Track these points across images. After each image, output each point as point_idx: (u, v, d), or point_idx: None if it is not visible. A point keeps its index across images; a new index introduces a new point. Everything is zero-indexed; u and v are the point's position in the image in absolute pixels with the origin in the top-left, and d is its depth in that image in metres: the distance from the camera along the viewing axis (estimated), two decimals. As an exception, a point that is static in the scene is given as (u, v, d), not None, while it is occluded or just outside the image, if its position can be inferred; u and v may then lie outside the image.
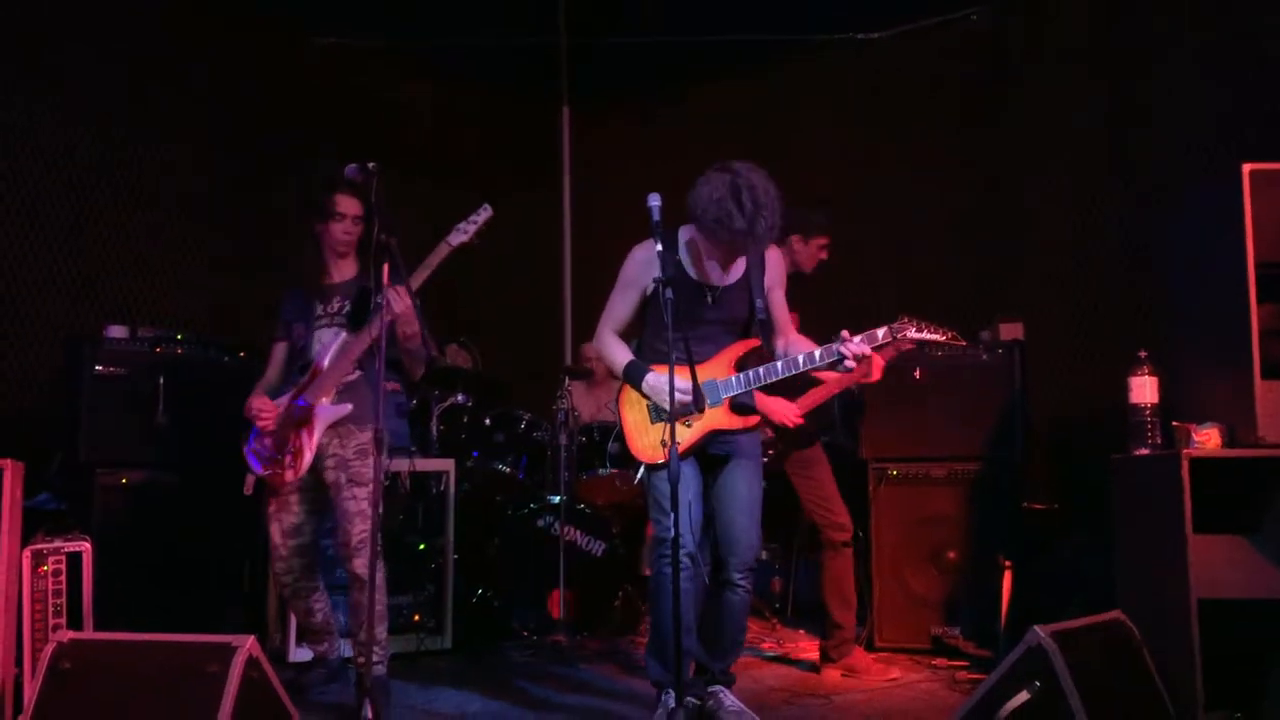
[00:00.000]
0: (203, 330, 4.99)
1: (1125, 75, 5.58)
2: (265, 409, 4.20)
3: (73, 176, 5.44)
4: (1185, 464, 3.48)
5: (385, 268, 3.81)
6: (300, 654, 4.73)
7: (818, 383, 4.63)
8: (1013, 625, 4.60)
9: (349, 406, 4.17)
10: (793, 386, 4.56)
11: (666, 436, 3.49)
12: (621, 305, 3.92)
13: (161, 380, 4.73)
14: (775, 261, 3.96)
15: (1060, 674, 3.07)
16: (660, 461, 3.71)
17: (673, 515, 3.40)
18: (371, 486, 3.89)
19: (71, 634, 3.17)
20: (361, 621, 3.86)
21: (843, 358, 3.62)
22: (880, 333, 3.70)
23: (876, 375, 4.41)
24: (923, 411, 4.96)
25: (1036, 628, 3.17)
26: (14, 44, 5.21)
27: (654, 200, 3.58)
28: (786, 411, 4.48)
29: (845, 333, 3.62)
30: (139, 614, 4.36)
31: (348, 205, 4.27)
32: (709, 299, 3.83)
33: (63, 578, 3.92)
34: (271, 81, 6.32)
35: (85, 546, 4.01)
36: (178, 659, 3.05)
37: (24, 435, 4.68)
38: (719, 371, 3.80)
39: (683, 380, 3.54)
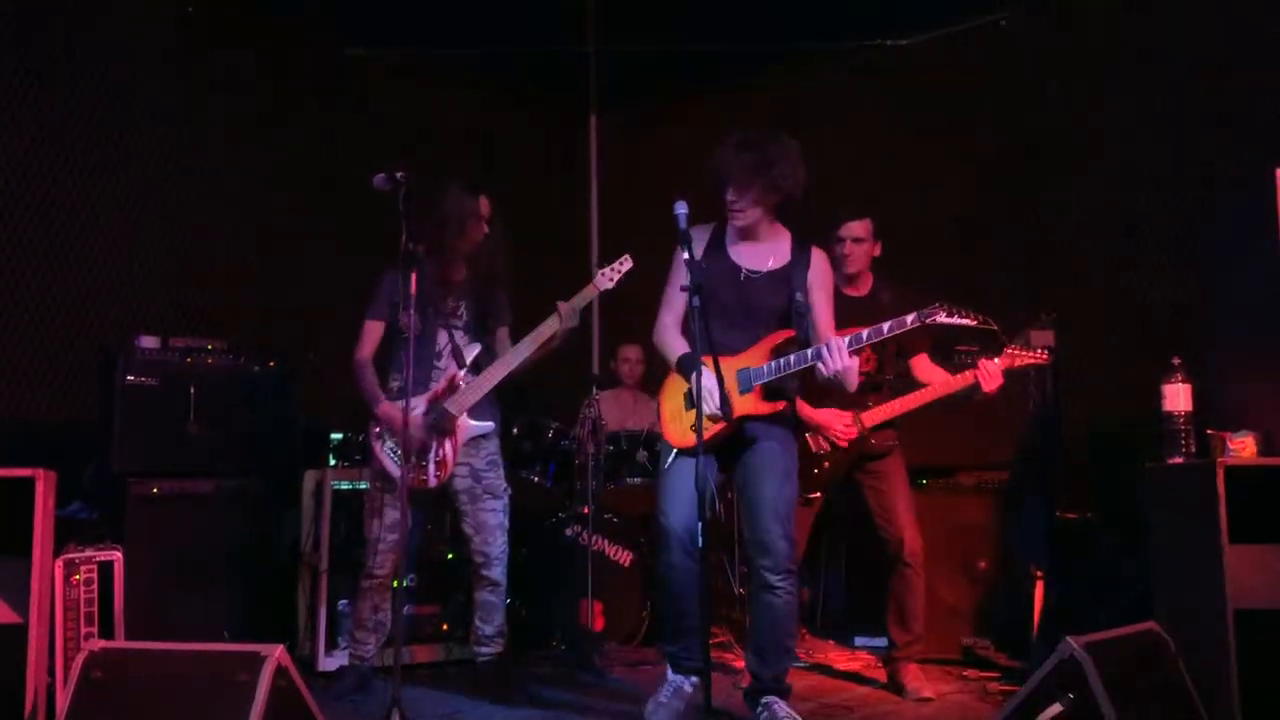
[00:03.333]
0: (234, 340, 5.02)
1: (1155, 78, 5.53)
2: (412, 430, 4.20)
3: (109, 189, 5.49)
4: (1221, 473, 3.44)
5: (414, 276, 3.89)
6: (329, 663, 4.76)
7: (908, 390, 4.55)
8: (1045, 636, 4.55)
9: (491, 424, 4.45)
10: (879, 392, 4.55)
11: (694, 423, 3.59)
12: (674, 297, 3.97)
13: (193, 390, 4.76)
14: (819, 261, 3.95)
15: (1094, 686, 3.04)
16: (689, 446, 3.76)
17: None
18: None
19: (103, 643, 3.19)
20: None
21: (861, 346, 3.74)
22: (910, 318, 3.72)
23: (991, 386, 4.33)
24: (952, 420, 4.91)
25: (1069, 639, 3.14)
26: (58, 62, 5.28)
27: (680, 209, 3.59)
28: (836, 424, 4.46)
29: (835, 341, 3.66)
30: (170, 622, 4.43)
31: (486, 205, 4.50)
32: (746, 283, 3.85)
33: (95, 587, 3.96)
34: (303, 93, 6.37)
35: (117, 556, 4.05)
36: (207, 668, 3.06)
37: (56, 445, 4.72)
38: (754, 360, 3.82)
39: (710, 378, 3.62)
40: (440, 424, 4.36)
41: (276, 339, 5.46)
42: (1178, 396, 3.85)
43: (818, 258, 3.95)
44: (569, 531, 5.38)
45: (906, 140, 6.55)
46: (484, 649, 4.54)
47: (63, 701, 3.05)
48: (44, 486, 3.53)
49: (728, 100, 7.27)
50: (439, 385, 4.37)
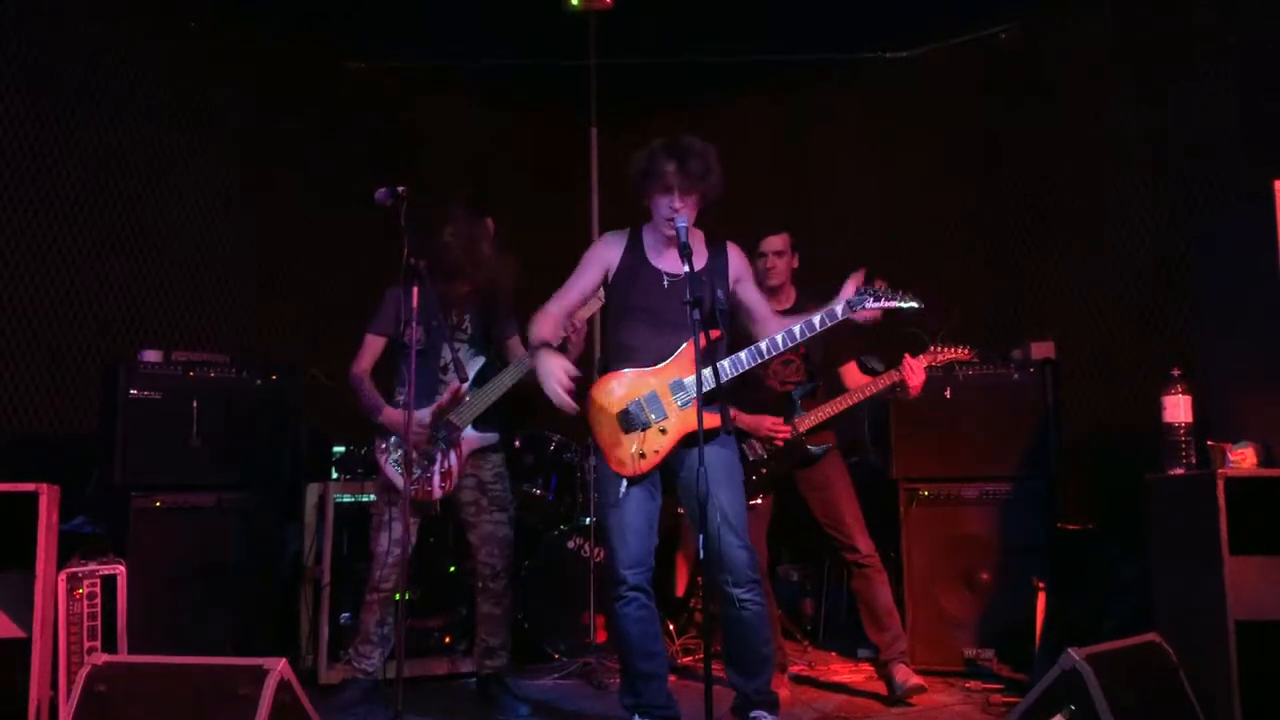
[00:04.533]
0: (236, 354, 5.04)
1: (1157, 92, 5.56)
2: (417, 424, 4.29)
3: (110, 203, 5.52)
4: (1221, 484, 3.45)
5: (415, 291, 3.92)
6: (332, 676, 4.75)
7: (837, 394, 4.63)
8: (1047, 648, 4.55)
9: (495, 435, 4.48)
10: (811, 398, 4.64)
11: (641, 447, 3.63)
12: (572, 289, 3.97)
13: (195, 403, 4.78)
14: (735, 256, 3.97)
15: (1095, 697, 3.05)
16: (641, 474, 3.74)
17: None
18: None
19: (106, 656, 3.20)
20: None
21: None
22: (839, 308, 3.79)
23: (915, 381, 4.40)
24: (953, 431, 4.94)
25: (1071, 650, 3.14)
26: (57, 74, 5.31)
27: (681, 222, 3.63)
28: (766, 423, 4.56)
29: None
30: (172, 636, 4.43)
31: (491, 224, 4.57)
32: (670, 289, 3.79)
33: (98, 600, 3.96)
34: (305, 106, 6.39)
35: (120, 569, 4.06)
36: (210, 681, 3.07)
37: (59, 459, 4.75)
38: (683, 370, 3.75)
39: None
40: (445, 436, 4.38)
41: (279, 353, 5.48)
42: (1178, 408, 3.86)
43: (733, 253, 3.96)
44: (571, 544, 5.39)
45: (905, 152, 6.58)
46: (489, 661, 4.54)
47: (66, 715, 3.06)
48: (47, 501, 3.55)
49: (728, 112, 7.30)
50: (443, 398, 4.39)
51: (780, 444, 4.59)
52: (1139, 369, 5.41)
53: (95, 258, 5.45)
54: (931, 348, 4.50)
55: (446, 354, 4.41)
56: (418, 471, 4.35)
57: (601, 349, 4.02)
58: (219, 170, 5.99)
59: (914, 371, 4.40)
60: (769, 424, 4.58)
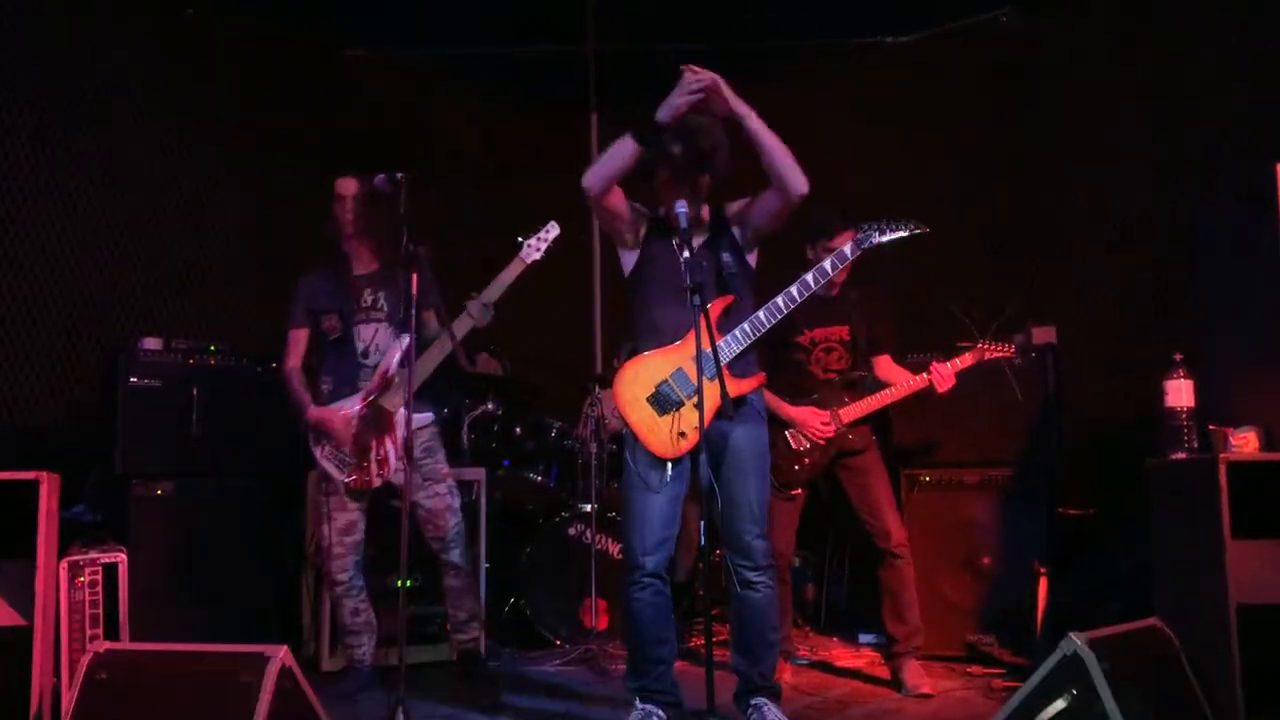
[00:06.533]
0: (236, 341, 5.04)
1: (1158, 74, 5.51)
2: (337, 423, 4.31)
3: (110, 192, 5.50)
4: (1223, 468, 3.46)
5: (415, 278, 3.92)
6: (333, 663, 4.77)
7: (876, 389, 4.63)
8: (1048, 632, 4.56)
9: (430, 415, 4.47)
10: (850, 391, 4.62)
11: (681, 426, 3.61)
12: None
13: (195, 391, 4.79)
14: (731, 205, 3.94)
15: (1097, 682, 3.04)
16: (682, 454, 3.70)
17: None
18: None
19: (108, 644, 3.20)
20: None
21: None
22: (848, 248, 3.89)
23: (944, 387, 4.47)
24: (954, 416, 4.94)
25: (1072, 634, 3.14)
26: (55, 65, 5.29)
27: (680, 207, 3.59)
28: (813, 421, 4.51)
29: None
30: (174, 624, 4.45)
31: (345, 186, 4.43)
32: (681, 263, 3.62)
33: (99, 588, 3.97)
34: (302, 94, 6.37)
35: (121, 557, 4.06)
36: (212, 669, 3.08)
37: (59, 448, 4.74)
38: (705, 342, 3.58)
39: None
40: (376, 421, 4.34)
41: (279, 339, 5.46)
42: (1180, 392, 3.86)
43: (729, 207, 3.94)
44: (572, 530, 5.40)
45: (907, 137, 6.54)
46: (460, 635, 4.57)
47: (68, 703, 3.06)
48: (47, 489, 3.55)
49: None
50: (372, 383, 4.34)
51: (823, 442, 4.56)
52: (1141, 353, 5.39)
53: (95, 245, 5.43)
54: (980, 344, 4.55)
55: (366, 337, 4.40)
56: (353, 462, 4.34)
57: (632, 328, 3.95)
58: (216, 156, 5.96)
59: (942, 378, 4.47)
60: (815, 423, 4.52)
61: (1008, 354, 4.61)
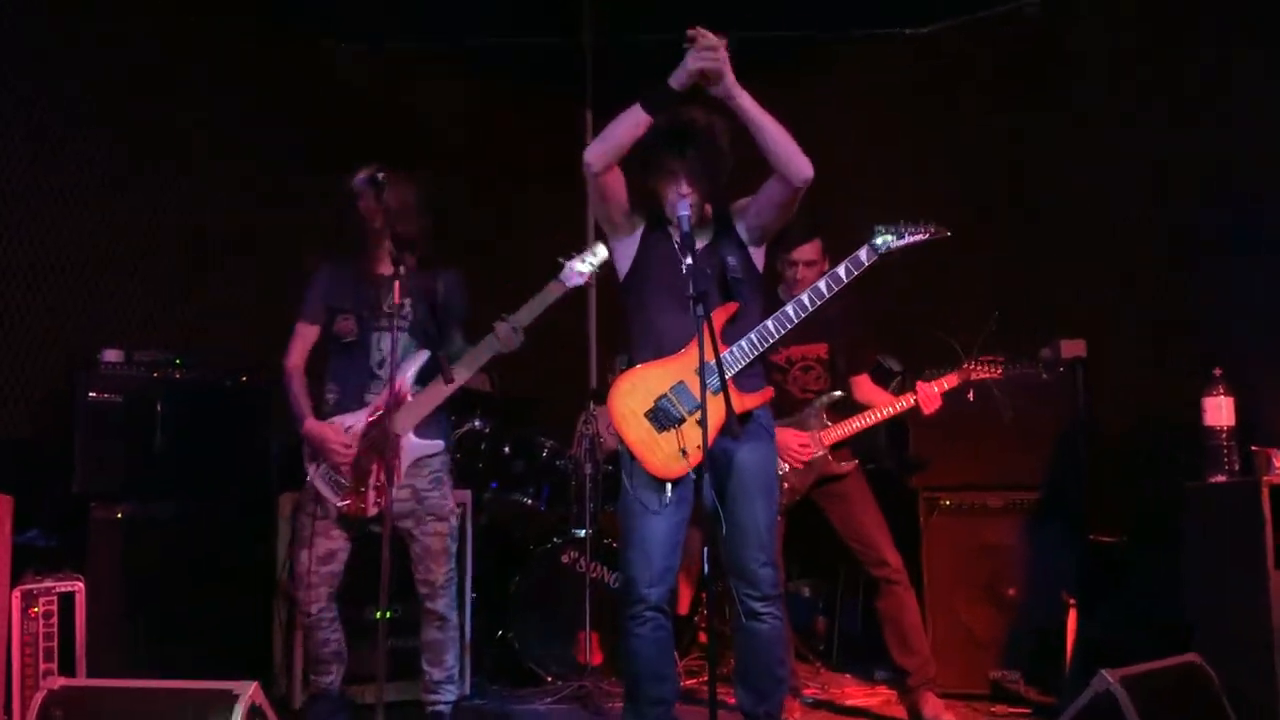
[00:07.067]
0: (204, 354, 5.02)
1: (1189, 69, 5.48)
2: (340, 442, 4.16)
3: (80, 192, 5.48)
4: (1266, 492, 3.46)
5: (403, 272, 3.94)
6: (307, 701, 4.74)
7: (859, 410, 4.64)
8: (1079, 669, 4.54)
9: (440, 444, 4.28)
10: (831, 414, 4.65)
11: (683, 443, 3.56)
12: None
13: (159, 407, 4.76)
14: (735, 205, 3.91)
15: (1131, 723, 3.04)
16: (692, 469, 3.60)
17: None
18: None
19: (63, 680, 3.20)
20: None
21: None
22: (863, 254, 3.80)
23: (930, 408, 4.51)
24: (977, 436, 4.92)
25: (1104, 672, 3.14)
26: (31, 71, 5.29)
27: (683, 210, 3.58)
28: (791, 443, 4.56)
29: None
30: (135, 658, 4.42)
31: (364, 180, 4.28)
32: (684, 269, 3.54)
33: (54, 620, 3.96)
34: (293, 89, 6.38)
35: (78, 586, 4.05)
36: (176, 707, 3.07)
37: (12, 467, 4.71)
38: (707, 354, 3.50)
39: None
40: (380, 443, 4.13)
41: (249, 352, 5.44)
42: (1220, 410, 3.86)
43: (734, 204, 3.91)
44: (564, 558, 5.37)
45: (925, 132, 6.55)
46: (433, 697, 4.32)
47: (20, 743, 3.05)
48: (0, 512, 3.54)
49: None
50: (381, 398, 4.16)
51: (801, 465, 4.57)
52: (1177, 368, 5.37)
53: (58, 255, 5.40)
54: (966, 364, 4.58)
55: (383, 348, 4.22)
56: (349, 485, 4.18)
57: (629, 335, 3.89)
58: (199, 156, 5.92)
59: (928, 400, 4.54)
60: (794, 446, 4.56)
61: (995, 375, 4.64)
